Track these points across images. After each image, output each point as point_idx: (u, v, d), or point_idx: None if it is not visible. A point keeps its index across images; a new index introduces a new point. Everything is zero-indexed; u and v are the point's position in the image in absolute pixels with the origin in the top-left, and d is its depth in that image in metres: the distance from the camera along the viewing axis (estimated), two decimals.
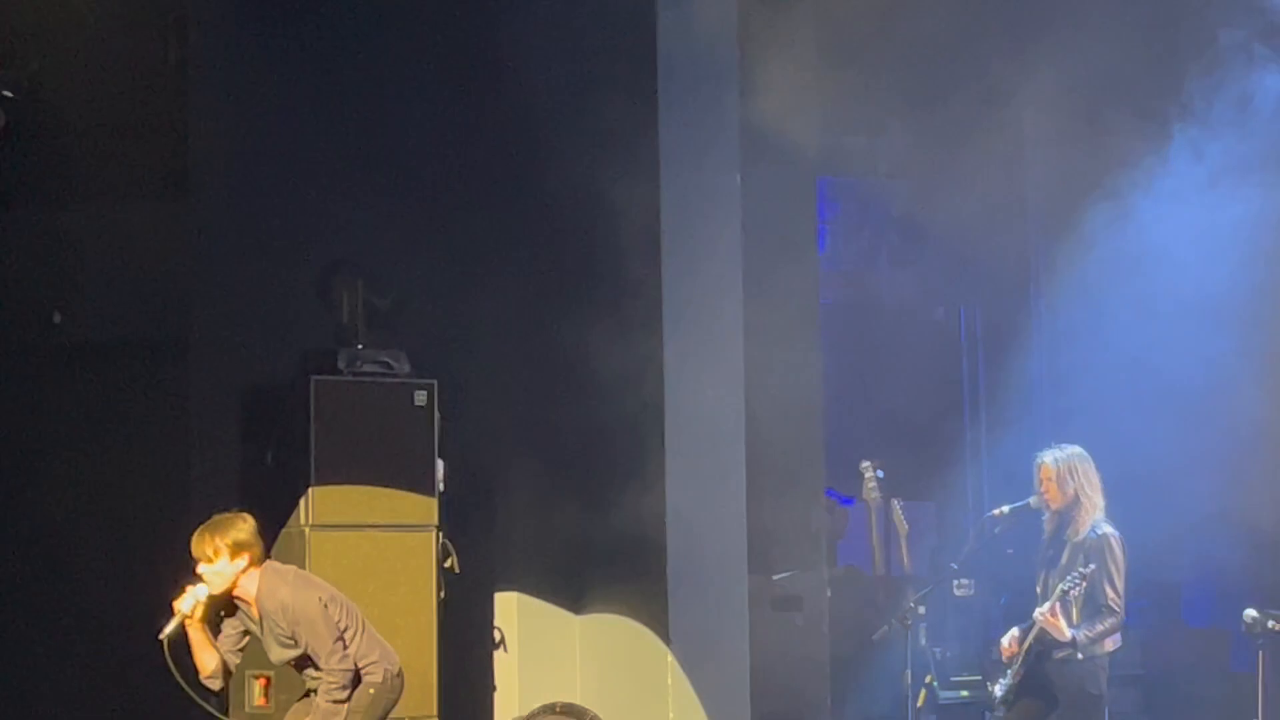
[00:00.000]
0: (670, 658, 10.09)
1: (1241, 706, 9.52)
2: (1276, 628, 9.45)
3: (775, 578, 10.63)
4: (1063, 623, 9.61)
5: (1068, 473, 9.81)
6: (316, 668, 8.46)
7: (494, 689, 10.54)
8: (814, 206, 11.26)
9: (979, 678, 10.83)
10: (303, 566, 9.71)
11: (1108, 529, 9.75)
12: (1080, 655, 9.69)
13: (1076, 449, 9.88)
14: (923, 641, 10.47)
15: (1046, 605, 9.62)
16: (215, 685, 8.59)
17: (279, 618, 8.46)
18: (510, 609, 10.64)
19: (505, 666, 10.59)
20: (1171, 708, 9.84)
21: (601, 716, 10.04)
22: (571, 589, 10.58)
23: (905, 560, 11.09)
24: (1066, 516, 9.85)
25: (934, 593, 10.18)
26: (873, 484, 11.03)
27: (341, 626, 8.50)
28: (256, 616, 8.52)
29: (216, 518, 8.53)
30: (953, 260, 12.22)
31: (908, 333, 12.22)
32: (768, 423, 10.44)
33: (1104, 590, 9.64)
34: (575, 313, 10.09)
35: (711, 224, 10.27)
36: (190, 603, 8.44)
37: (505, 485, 10.52)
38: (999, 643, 9.99)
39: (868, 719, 10.56)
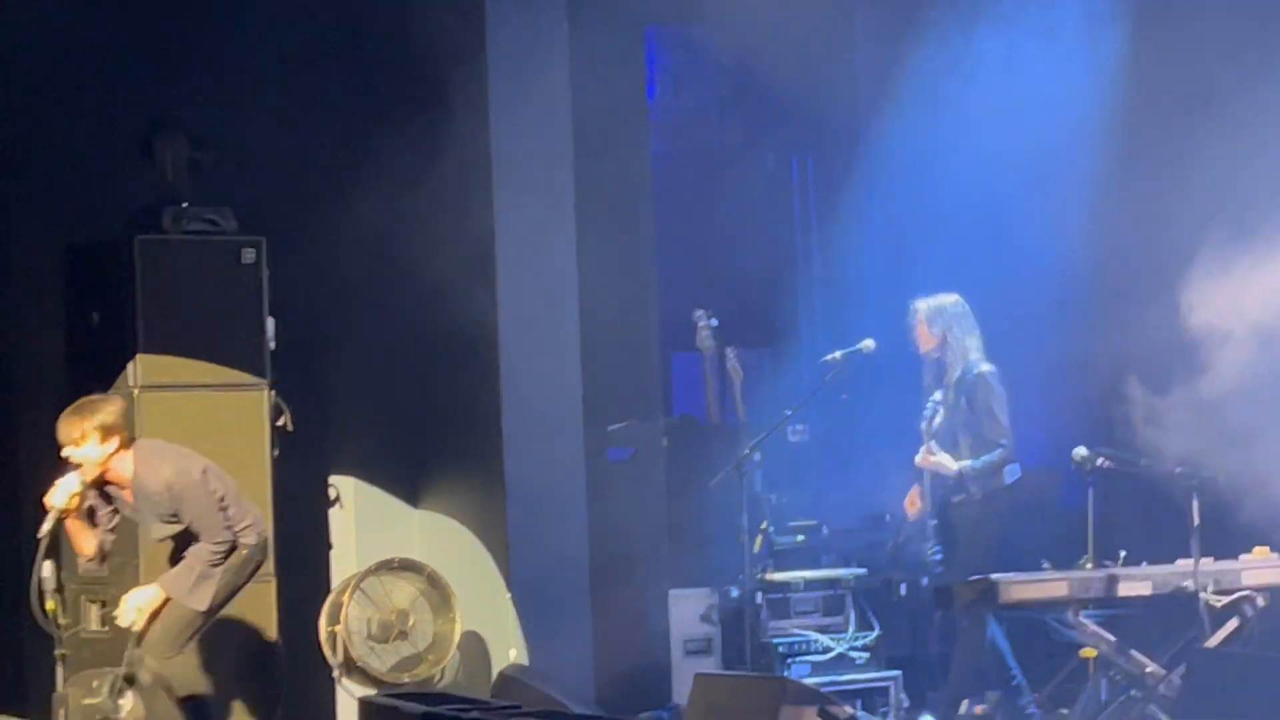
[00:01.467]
0: (508, 512, 10.10)
1: (1072, 542, 9.68)
2: (1106, 465, 9.61)
3: (611, 429, 10.65)
4: (945, 457, 9.80)
5: (936, 315, 9.96)
6: (197, 540, 8.35)
7: (330, 547, 10.52)
8: (643, 56, 11.18)
9: (815, 522, 10.96)
10: (132, 429, 9.59)
11: (984, 367, 9.92)
12: (978, 495, 9.88)
13: (950, 295, 10.02)
14: (758, 488, 10.55)
15: (923, 447, 9.81)
16: (98, 569, 8.55)
17: (163, 497, 8.32)
18: (346, 467, 10.59)
19: (342, 524, 10.56)
20: (1006, 543, 10.02)
21: (440, 572, 10.04)
22: (407, 446, 10.55)
23: (740, 408, 11.13)
24: (942, 362, 10.01)
25: (769, 439, 10.24)
26: (707, 333, 11.04)
27: (219, 495, 8.39)
28: (130, 499, 8.38)
29: (81, 400, 8.39)
30: (783, 108, 12.19)
31: (739, 181, 12.19)
32: (600, 275, 10.41)
33: (988, 425, 9.83)
34: (404, 167, 9.99)
35: (539, 74, 10.19)
36: (64, 496, 8.27)
37: (337, 342, 10.43)
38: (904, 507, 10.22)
39: (705, 566, 10.63)
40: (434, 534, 10.45)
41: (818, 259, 12.62)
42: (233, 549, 8.37)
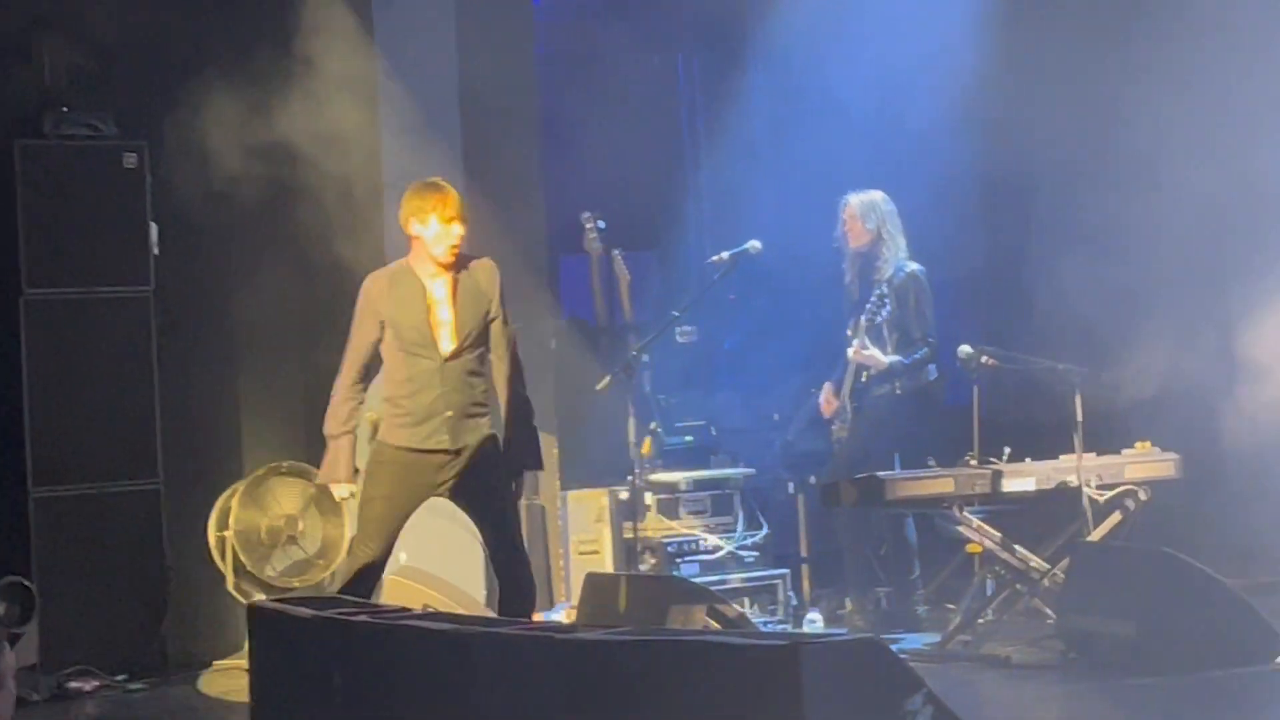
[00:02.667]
0: None
1: (957, 440, 9.77)
2: (990, 363, 9.69)
3: None
4: (877, 352, 9.89)
5: (870, 210, 10.04)
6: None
7: (218, 454, 10.46)
8: None
9: (703, 423, 11.01)
10: (16, 338, 9.51)
11: (914, 265, 10.01)
12: (902, 391, 9.98)
13: (878, 192, 10.08)
14: (647, 389, 10.59)
15: (855, 341, 9.88)
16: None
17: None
18: (232, 369, 10.53)
19: (228, 428, 10.50)
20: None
21: None
22: (293, 344, 10.47)
23: (628, 310, 11.15)
24: (870, 256, 10.08)
25: (657, 341, 10.26)
26: (594, 235, 11.02)
27: None
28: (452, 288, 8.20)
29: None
30: (668, 7, 12.15)
31: (625, 82, 12.15)
32: (486, 178, 10.36)
33: (916, 324, 9.94)
34: (283, 66, 9.88)
35: None
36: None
37: (223, 246, 10.34)
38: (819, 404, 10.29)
39: (595, 467, 10.66)
40: (321, 437, 10.40)
41: (705, 160, 12.61)
42: None
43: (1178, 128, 10.11)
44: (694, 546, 10.33)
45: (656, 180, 12.22)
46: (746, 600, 10.00)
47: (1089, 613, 8.70)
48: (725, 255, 10.28)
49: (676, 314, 10.40)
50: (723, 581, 9.99)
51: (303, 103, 9.84)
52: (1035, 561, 9.51)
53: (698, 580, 9.49)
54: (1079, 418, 9.51)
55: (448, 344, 8.10)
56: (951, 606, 10.00)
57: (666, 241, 12.45)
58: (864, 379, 10.12)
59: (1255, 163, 10.21)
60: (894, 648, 9.28)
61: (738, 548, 10.35)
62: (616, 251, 11.03)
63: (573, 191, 11.43)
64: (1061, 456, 9.62)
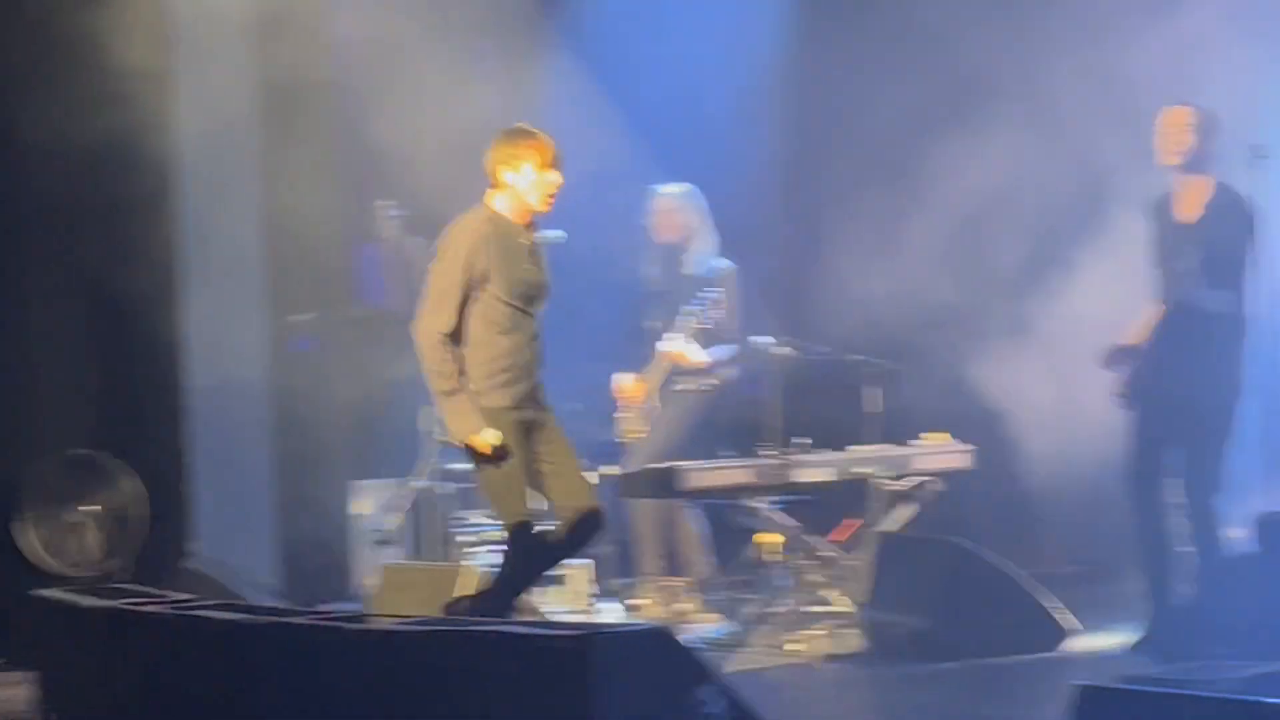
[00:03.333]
0: (187, 400, 9.91)
1: (754, 430, 9.80)
2: (787, 353, 9.73)
3: (294, 319, 10.51)
4: (699, 349, 9.91)
5: (684, 204, 10.04)
6: None
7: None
8: None
9: None
10: None
11: (726, 262, 10.02)
12: (708, 387, 10.00)
13: (689, 186, 10.07)
14: None
15: (677, 338, 9.86)
16: None
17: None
18: (28, 349, 10.26)
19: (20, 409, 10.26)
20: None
21: (112, 463, 9.77)
22: (87, 333, 10.21)
23: None
24: (676, 250, 10.07)
25: None
26: (390, 223, 10.94)
27: None
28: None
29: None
30: None
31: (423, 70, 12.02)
32: (283, 164, 10.23)
33: (728, 319, 9.96)
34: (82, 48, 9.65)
35: None
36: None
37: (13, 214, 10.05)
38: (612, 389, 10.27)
39: (391, 457, 10.58)
40: (115, 420, 10.20)
41: None
42: None
43: (978, 123, 10.23)
44: (490, 536, 10.26)
45: (451, 167, 12.11)
46: (543, 590, 9.95)
47: (884, 602, 8.77)
48: None
49: None
50: None
51: (96, 77, 9.59)
52: (831, 552, 9.56)
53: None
54: (875, 409, 9.58)
55: (543, 300, 7.96)
56: (748, 597, 10.02)
57: None
58: (676, 371, 10.11)
59: (1053, 161, 10.37)
60: (689, 638, 9.40)
61: None
62: (413, 239, 10.94)
63: (370, 179, 11.31)
64: (857, 447, 9.69)
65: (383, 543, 10.37)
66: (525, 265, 7.82)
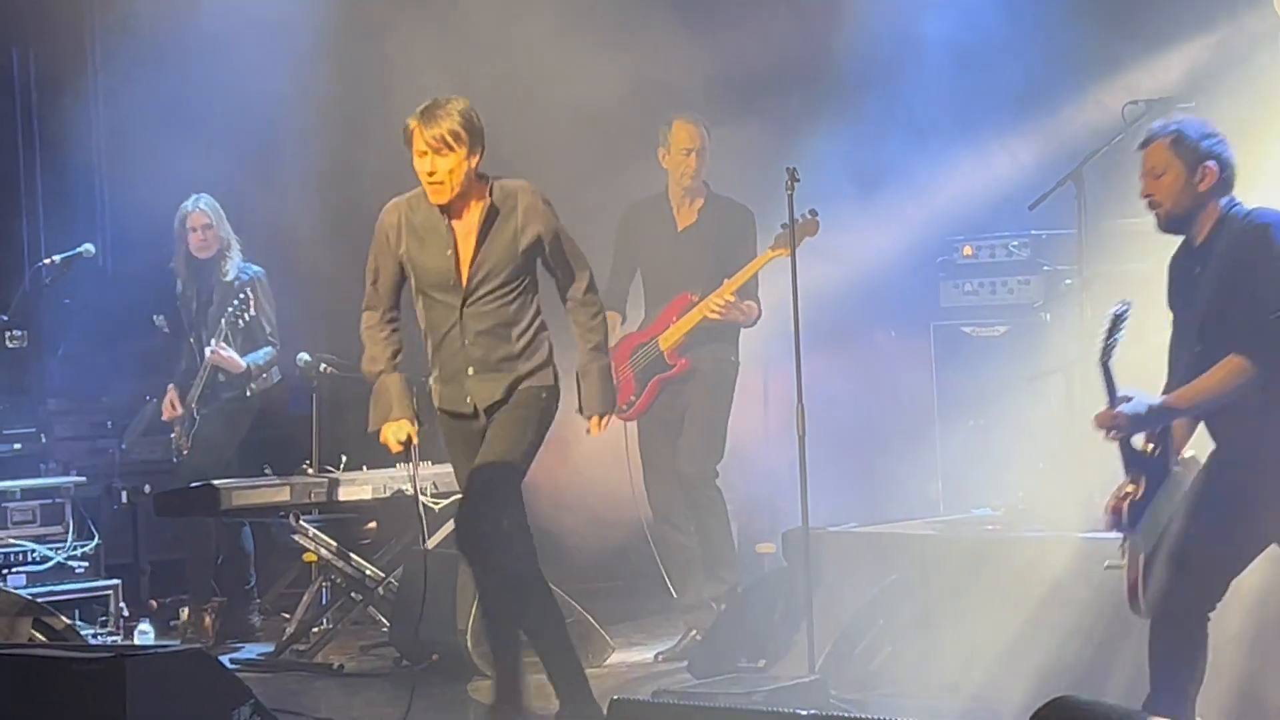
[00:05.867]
0: None
1: (296, 447, 9.76)
2: (329, 370, 9.73)
3: None
4: (235, 354, 9.81)
5: (220, 217, 10.01)
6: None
7: None
8: None
9: (34, 430, 10.67)
10: None
11: (256, 268, 10.14)
12: (251, 389, 9.90)
13: (209, 196, 10.01)
14: None
15: (213, 342, 9.76)
16: None
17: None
18: None
19: None
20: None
21: None
22: None
23: None
24: (210, 262, 9.97)
25: None
26: None
27: None
28: (475, 226, 7.14)
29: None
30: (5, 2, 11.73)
31: None
32: None
33: (263, 324, 9.89)
34: None
35: None
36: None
37: None
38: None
39: None
40: None
41: (41, 160, 12.21)
42: None
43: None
44: (21, 557, 10.00)
45: None
46: (76, 612, 9.73)
47: (421, 619, 8.80)
48: (58, 259, 10.09)
49: (4, 318, 10.12)
50: (51, 593, 9.69)
51: None
52: (370, 570, 9.57)
53: (24, 591, 9.19)
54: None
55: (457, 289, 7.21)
56: (288, 616, 9.96)
57: None
58: (219, 382, 10.01)
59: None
60: (228, 658, 9.32)
61: (67, 558, 10.06)
62: None
63: None
64: (399, 465, 9.70)
65: None
66: (437, 251, 7.21)
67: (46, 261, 10.22)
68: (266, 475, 9.62)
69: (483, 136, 7.11)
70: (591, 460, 9.49)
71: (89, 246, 10.10)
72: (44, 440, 10.71)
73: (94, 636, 9.54)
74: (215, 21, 10.96)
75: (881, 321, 10.36)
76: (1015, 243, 9.42)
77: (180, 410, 10.13)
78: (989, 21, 9.65)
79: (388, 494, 9.59)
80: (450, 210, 7.17)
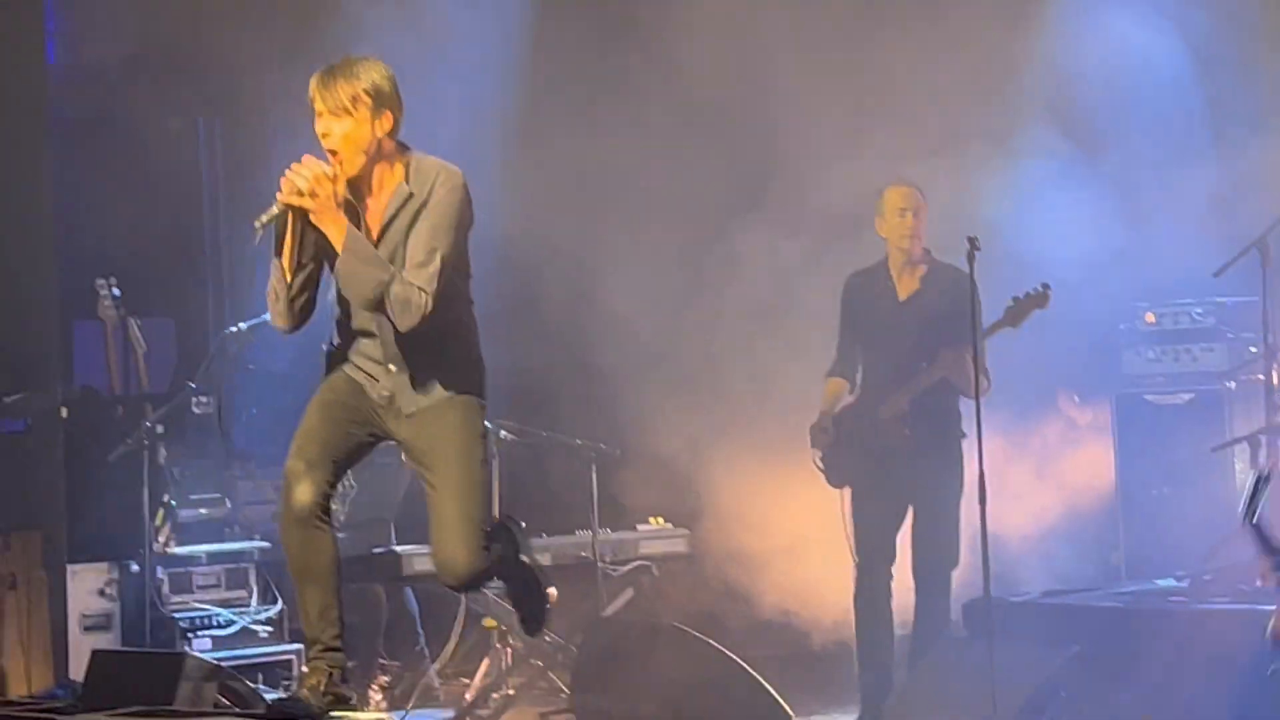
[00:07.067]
0: None
1: None
2: (509, 437, 9.77)
3: (4, 399, 10.28)
4: None
5: None
6: None
7: None
8: (42, 13, 10.81)
9: (218, 495, 10.81)
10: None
11: None
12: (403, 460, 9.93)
13: None
14: (161, 460, 10.37)
15: None
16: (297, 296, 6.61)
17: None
18: None
19: None
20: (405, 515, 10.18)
21: None
22: None
23: (143, 379, 10.92)
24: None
25: (172, 411, 10.08)
26: (108, 301, 10.78)
27: None
28: (384, 205, 6.54)
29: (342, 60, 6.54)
30: (189, 68, 11.95)
31: (143, 145, 11.91)
32: None
33: None
34: None
35: None
36: (302, 180, 6.37)
37: None
38: None
39: (106, 540, 10.38)
40: None
41: (225, 226, 12.43)
42: None
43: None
44: (207, 621, 10.14)
45: (174, 245, 12.00)
46: (260, 676, 9.85)
47: (603, 687, 8.80)
48: (243, 326, 10.22)
49: (191, 384, 10.27)
50: (236, 657, 9.82)
51: None
52: (550, 636, 9.59)
53: (210, 656, 9.31)
54: (594, 492, 9.65)
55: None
56: (467, 681, 10.01)
57: (184, 308, 12.24)
58: None
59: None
60: None
61: (251, 622, 10.20)
62: (132, 318, 10.79)
63: (88, 256, 11.14)
64: (578, 531, 9.74)
65: (96, 628, 10.17)
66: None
67: (233, 329, 10.36)
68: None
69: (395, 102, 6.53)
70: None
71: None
72: (229, 505, 10.84)
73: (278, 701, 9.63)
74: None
75: (1064, 386, 10.27)
76: (1198, 310, 9.32)
77: None
78: (1179, 89, 9.57)
79: (568, 560, 9.62)
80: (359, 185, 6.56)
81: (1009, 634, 8.23)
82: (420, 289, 6.45)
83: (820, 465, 9.05)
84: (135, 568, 10.11)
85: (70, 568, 10.22)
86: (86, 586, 10.24)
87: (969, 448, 8.54)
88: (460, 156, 6.76)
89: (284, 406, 11.12)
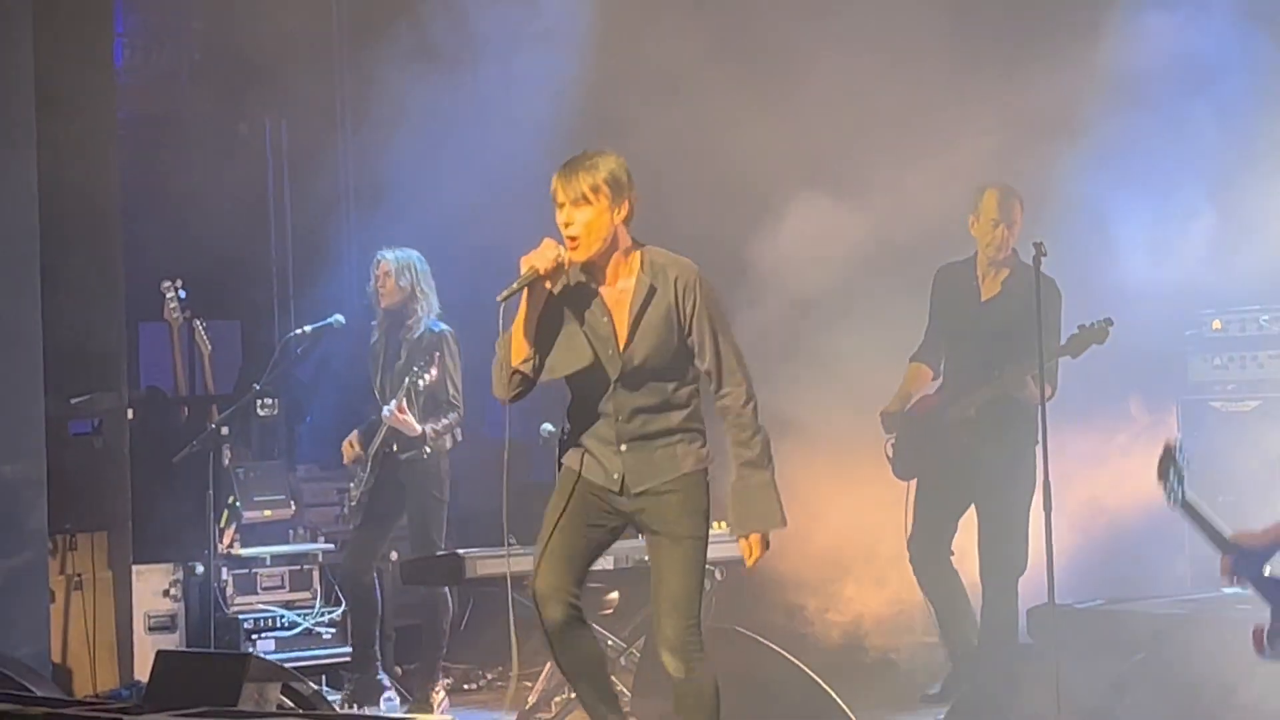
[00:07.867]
0: None
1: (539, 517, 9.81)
2: None
3: (73, 401, 10.35)
4: (411, 418, 9.79)
5: (405, 268, 9.96)
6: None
7: None
8: (111, 16, 10.88)
9: (283, 497, 10.86)
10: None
11: (445, 326, 9.94)
12: (427, 452, 9.88)
13: (414, 251, 10.01)
14: (225, 462, 10.43)
15: (393, 402, 9.75)
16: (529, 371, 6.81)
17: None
18: None
19: None
20: (468, 515, 10.18)
21: None
22: None
23: (209, 381, 10.99)
24: (399, 315, 9.97)
25: (237, 413, 10.12)
26: (174, 303, 10.84)
27: None
28: (623, 294, 6.80)
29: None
30: (256, 72, 12.01)
31: (211, 148, 11.98)
32: (63, 242, 10.09)
33: (446, 386, 9.86)
34: None
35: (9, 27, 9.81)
36: (554, 259, 6.66)
37: None
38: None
39: (172, 541, 10.45)
40: None
41: (290, 229, 12.49)
42: None
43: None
44: (270, 623, 10.19)
45: (240, 248, 12.06)
46: (323, 678, 9.89)
47: (664, 692, 8.78)
48: (308, 329, 10.25)
49: (256, 386, 10.30)
50: (299, 658, 9.87)
51: None
52: (613, 640, 9.58)
53: (273, 657, 9.36)
54: None
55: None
56: (529, 685, 10.01)
57: (250, 311, 12.30)
58: (393, 447, 9.99)
59: None
60: None
61: (314, 624, 10.23)
62: (198, 320, 10.85)
63: (155, 257, 11.21)
64: (640, 536, 9.71)
65: (161, 628, 10.23)
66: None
67: (297, 332, 10.39)
68: (511, 544, 9.68)
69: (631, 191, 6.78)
70: None
71: (339, 317, 10.24)
72: (293, 507, 10.90)
73: (342, 705, 9.68)
74: (465, 89, 11.09)
75: (1129, 392, 10.22)
76: (1266, 316, 9.26)
77: (356, 451, 10.11)
78: (1248, 96, 9.50)
79: (630, 564, 9.60)
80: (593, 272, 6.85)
81: (1073, 641, 8.19)
82: (750, 393, 6.90)
83: (889, 456, 9.12)
84: (200, 569, 10.17)
85: (136, 568, 10.30)
86: (151, 587, 10.31)
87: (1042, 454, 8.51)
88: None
89: (348, 409, 11.22)
